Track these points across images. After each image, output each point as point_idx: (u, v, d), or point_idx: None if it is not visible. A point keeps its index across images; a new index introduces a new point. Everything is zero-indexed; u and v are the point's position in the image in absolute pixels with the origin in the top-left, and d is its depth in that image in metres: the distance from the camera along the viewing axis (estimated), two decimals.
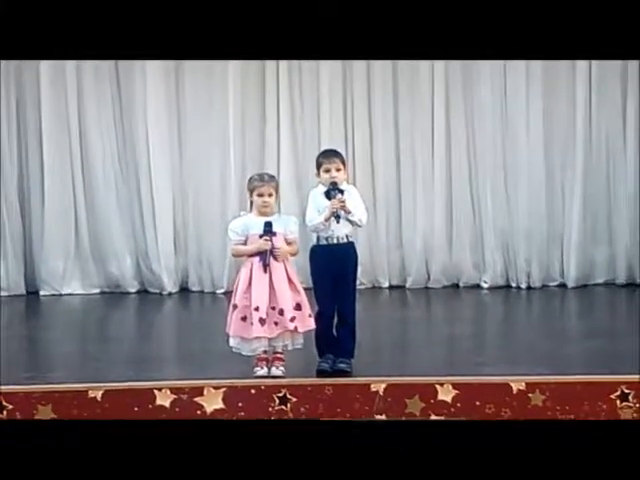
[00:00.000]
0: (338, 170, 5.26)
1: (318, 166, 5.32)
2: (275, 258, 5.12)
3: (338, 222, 5.18)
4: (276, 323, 5.11)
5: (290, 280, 5.18)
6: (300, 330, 5.17)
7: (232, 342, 5.20)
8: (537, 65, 8.20)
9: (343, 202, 5.16)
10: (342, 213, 5.17)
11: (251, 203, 5.28)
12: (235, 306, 5.16)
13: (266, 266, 5.10)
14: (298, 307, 5.16)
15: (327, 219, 5.18)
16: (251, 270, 5.14)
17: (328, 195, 5.23)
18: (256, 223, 5.18)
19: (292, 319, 5.12)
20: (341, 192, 5.23)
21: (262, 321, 5.08)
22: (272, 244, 5.12)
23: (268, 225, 5.13)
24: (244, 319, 5.12)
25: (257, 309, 5.09)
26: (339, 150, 5.54)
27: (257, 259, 5.14)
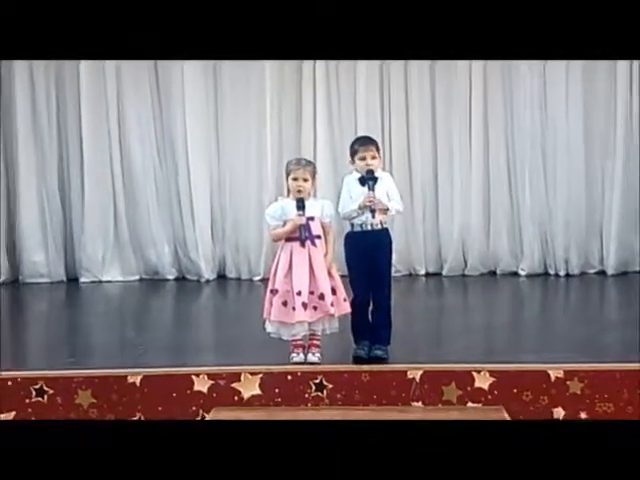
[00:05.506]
0: (374, 158, 5.21)
1: (353, 153, 5.26)
2: (311, 234, 5.08)
3: (374, 217, 5.15)
4: (315, 307, 5.11)
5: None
6: (336, 314, 5.18)
7: (270, 327, 5.19)
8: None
9: (372, 200, 5.13)
10: (377, 206, 5.13)
11: (288, 188, 5.26)
12: (275, 291, 5.14)
13: (304, 241, 5.10)
14: (333, 291, 5.15)
15: (360, 208, 5.16)
16: (291, 255, 5.13)
17: (362, 181, 5.20)
18: (293, 207, 5.15)
19: (331, 303, 5.12)
20: (375, 180, 5.20)
21: (304, 305, 5.07)
22: (306, 220, 5.11)
23: (300, 201, 5.12)
24: (285, 304, 5.11)
25: (299, 293, 5.07)
26: (373, 137, 5.50)
27: (297, 244, 5.12)
